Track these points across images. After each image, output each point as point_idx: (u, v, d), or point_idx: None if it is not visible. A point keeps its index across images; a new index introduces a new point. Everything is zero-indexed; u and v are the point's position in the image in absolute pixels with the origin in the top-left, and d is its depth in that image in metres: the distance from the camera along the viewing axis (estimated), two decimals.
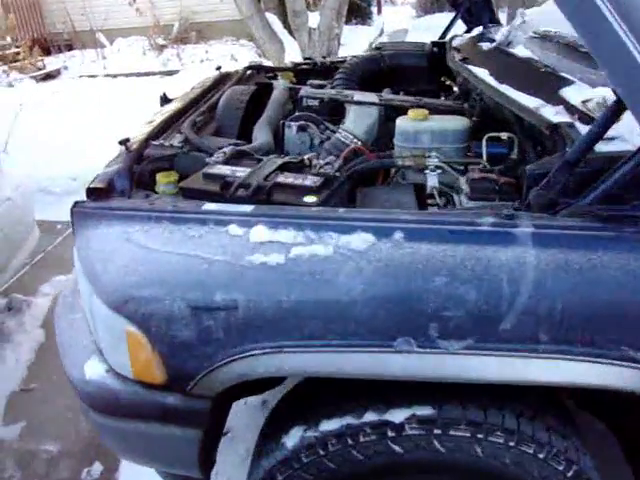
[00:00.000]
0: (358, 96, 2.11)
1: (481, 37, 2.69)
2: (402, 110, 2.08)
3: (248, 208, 1.41)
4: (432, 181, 1.58)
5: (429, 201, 1.61)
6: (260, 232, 1.34)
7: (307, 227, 1.32)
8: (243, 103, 2.28)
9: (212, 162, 1.64)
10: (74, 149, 5.66)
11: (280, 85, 2.84)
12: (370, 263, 1.25)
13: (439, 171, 1.59)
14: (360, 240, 1.28)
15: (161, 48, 11.43)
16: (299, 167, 1.61)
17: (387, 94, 2.82)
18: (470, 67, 2.13)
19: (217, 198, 1.50)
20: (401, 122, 1.81)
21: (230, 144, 1.93)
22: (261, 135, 2.05)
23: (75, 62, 11.40)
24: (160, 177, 1.70)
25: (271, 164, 1.59)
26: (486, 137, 1.77)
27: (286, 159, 1.62)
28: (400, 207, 1.55)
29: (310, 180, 1.49)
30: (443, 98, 2.95)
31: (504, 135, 1.77)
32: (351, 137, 1.87)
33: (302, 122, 2.09)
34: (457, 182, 1.60)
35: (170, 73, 9.57)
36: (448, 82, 2.81)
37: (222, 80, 2.77)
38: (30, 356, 3.22)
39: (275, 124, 2.24)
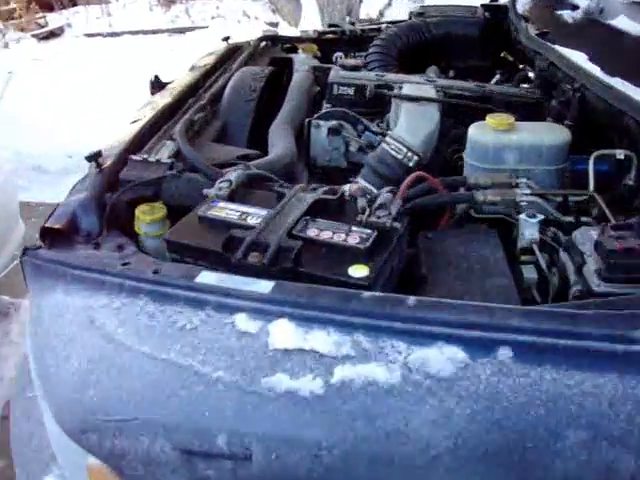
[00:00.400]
0: (409, 88, 1.59)
1: (556, 1, 2.12)
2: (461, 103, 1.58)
3: (265, 286, 0.93)
4: (531, 232, 1.09)
5: (523, 257, 1.13)
6: (284, 333, 0.87)
7: (358, 329, 0.85)
8: (256, 92, 1.77)
9: (212, 195, 1.16)
10: (71, 121, 5.15)
11: (301, 62, 2.31)
12: (461, 401, 0.78)
13: (541, 217, 1.10)
14: (444, 359, 0.80)
15: (169, 4, 10.68)
16: (337, 205, 1.12)
17: (433, 73, 2.30)
18: (557, 47, 1.60)
19: (219, 261, 1.03)
20: (477, 133, 1.30)
21: (238, 158, 1.44)
22: (280, 140, 1.55)
23: (79, 19, 10.72)
24: (141, 213, 1.23)
25: (297, 203, 1.10)
26: (595, 155, 1.27)
27: (319, 193, 1.13)
28: (488, 272, 1.06)
29: (357, 236, 1.01)
30: (498, 76, 2.41)
31: (620, 153, 1.26)
32: (404, 150, 1.37)
33: (334, 123, 1.59)
34: (566, 230, 1.11)
35: (179, 31, 8.89)
36: (511, 59, 2.27)
37: (230, 56, 2.24)
38: (15, 373, 2.84)
39: (298, 120, 1.74)
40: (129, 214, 1.26)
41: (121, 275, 1.05)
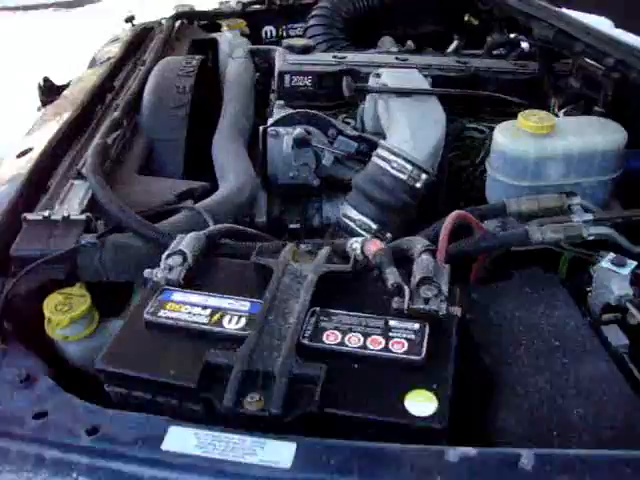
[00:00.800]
0: (391, 76, 1.21)
1: None
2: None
3: (282, 454, 0.58)
4: (622, 285, 0.78)
5: (605, 316, 0.82)
6: None
7: None
8: (186, 94, 1.34)
9: (158, 280, 0.76)
10: None
11: (228, 42, 1.89)
12: None
13: (632, 263, 0.80)
14: None
15: None
16: (354, 274, 0.77)
17: (389, 44, 1.95)
18: (566, 11, 1.29)
19: (193, 401, 0.65)
20: (509, 141, 0.96)
21: (178, 197, 1.04)
22: (231, 162, 1.16)
23: None
24: (53, 312, 0.82)
25: (294, 284, 0.74)
26: None
27: (322, 261, 0.77)
28: (574, 352, 0.75)
29: (403, 338, 0.66)
30: (456, 42, 2.10)
31: None
32: (409, 168, 1.02)
33: (300, 131, 1.21)
34: None
35: (69, 5, 7.82)
36: (476, 22, 1.95)
37: (140, 42, 1.78)
38: None
39: (247, 126, 1.35)
40: (34, 309, 0.85)
41: (36, 439, 0.66)
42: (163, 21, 1.92)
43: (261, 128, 1.26)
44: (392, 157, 1.03)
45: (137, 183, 1.09)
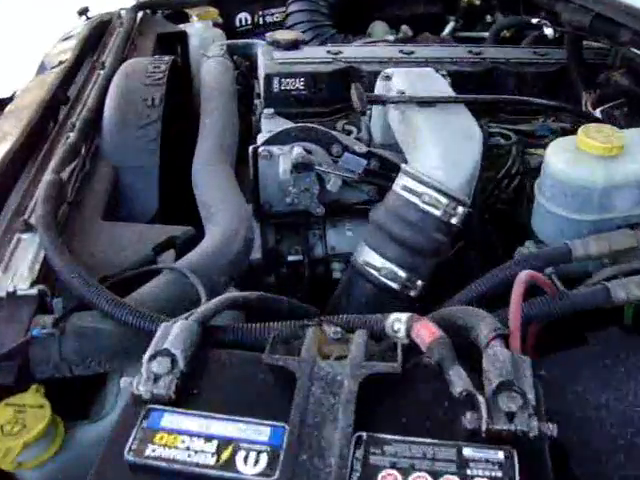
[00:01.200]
0: (406, 78, 1.00)
1: None
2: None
3: None
4: None
5: None
6: None
7: None
8: (157, 106, 1.12)
9: (141, 394, 0.56)
10: None
11: (199, 35, 1.66)
12: None
13: None
14: None
15: None
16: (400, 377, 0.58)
17: (383, 32, 1.75)
18: None
19: None
20: (566, 164, 0.77)
21: (156, 250, 0.83)
22: (216, 196, 0.95)
23: None
24: (3, 439, 0.61)
25: (327, 398, 0.54)
26: None
27: (360, 359, 0.57)
28: None
29: (487, 476, 0.48)
30: (452, 24, 1.91)
31: None
32: (444, 201, 0.82)
33: (299, 152, 1.00)
34: None
35: None
36: (477, 2, 1.76)
37: (97, 40, 1.53)
38: None
39: (233, 143, 1.14)
40: None
41: None
42: (123, 12, 1.68)
43: (251, 148, 1.04)
44: (421, 188, 0.83)
45: (102, 231, 0.87)
